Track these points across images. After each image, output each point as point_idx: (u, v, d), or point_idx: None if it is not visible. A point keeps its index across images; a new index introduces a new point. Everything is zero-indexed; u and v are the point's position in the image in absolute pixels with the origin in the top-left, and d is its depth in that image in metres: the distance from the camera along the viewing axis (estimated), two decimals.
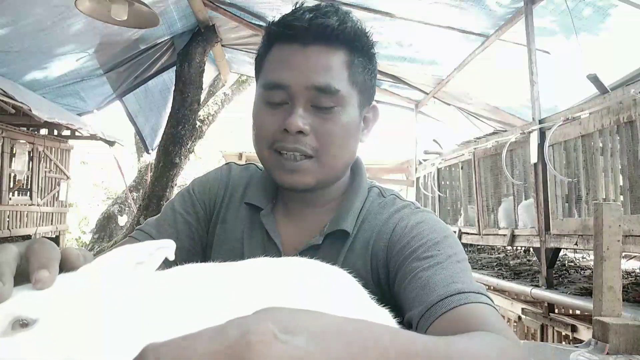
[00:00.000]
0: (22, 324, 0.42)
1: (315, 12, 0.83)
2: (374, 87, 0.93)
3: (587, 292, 2.57)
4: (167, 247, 0.50)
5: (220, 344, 0.32)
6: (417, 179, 5.52)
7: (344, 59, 0.84)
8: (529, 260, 4.31)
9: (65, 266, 0.49)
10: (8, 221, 5.64)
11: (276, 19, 0.87)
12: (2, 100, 4.06)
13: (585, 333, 2.48)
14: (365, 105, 0.91)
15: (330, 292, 0.65)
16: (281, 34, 0.85)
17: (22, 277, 0.47)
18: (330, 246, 0.88)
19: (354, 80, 0.86)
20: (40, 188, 6.32)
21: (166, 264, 0.52)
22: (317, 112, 0.84)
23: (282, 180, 0.86)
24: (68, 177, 7.09)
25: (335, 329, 0.36)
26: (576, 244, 2.56)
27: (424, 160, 5.38)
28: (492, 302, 0.72)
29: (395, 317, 0.72)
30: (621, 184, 2.33)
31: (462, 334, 0.57)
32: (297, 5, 0.87)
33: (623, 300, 1.45)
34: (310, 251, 0.86)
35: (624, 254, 2.58)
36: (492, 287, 3.40)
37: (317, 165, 0.85)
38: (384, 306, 0.72)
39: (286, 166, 0.85)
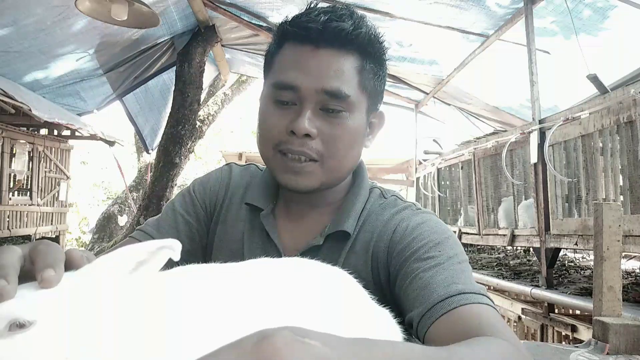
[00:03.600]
0: (19, 325, 0.42)
1: (330, 14, 0.82)
2: (382, 93, 0.92)
3: (587, 292, 2.57)
4: (171, 248, 0.50)
5: (244, 351, 0.32)
6: (417, 179, 5.52)
7: (356, 64, 0.84)
8: (529, 260, 4.31)
9: (69, 268, 0.50)
10: (8, 221, 5.63)
11: (289, 17, 0.86)
12: (2, 100, 4.06)
13: (585, 333, 2.48)
14: (373, 111, 0.91)
15: (331, 292, 0.65)
16: (294, 34, 0.84)
17: (26, 278, 0.47)
18: (330, 247, 0.88)
19: (364, 85, 0.85)
20: (40, 188, 6.32)
21: (167, 264, 0.52)
22: (326, 115, 0.83)
23: (285, 181, 0.86)
24: (68, 177, 7.09)
25: (341, 341, 0.37)
26: (576, 244, 2.57)
27: (424, 160, 5.38)
28: (493, 302, 0.72)
29: (395, 318, 0.73)
30: (621, 184, 2.33)
31: (463, 342, 0.57)
32: (312, 6, 0.86)
33: (623, 300, 1.45)
34: (310, 252, 0.85)
35: (624, 254, 2.58)
36: (492, 287, 3.40)
37: (321, 168, 0.85)
38: (384, 307, 0.72)
39: (290, 167, 0.84)
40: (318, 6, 0.86)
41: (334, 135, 0.84)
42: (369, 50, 0.85)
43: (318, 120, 0.83)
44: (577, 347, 1.36)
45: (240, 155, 8.49)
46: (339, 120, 0.84)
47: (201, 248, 0.97)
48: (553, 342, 2.81)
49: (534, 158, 2.90)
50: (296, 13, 0.86)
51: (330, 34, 0.81)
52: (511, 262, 4.24)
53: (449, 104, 5.58)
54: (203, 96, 5.88)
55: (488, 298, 0.72)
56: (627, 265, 3.84)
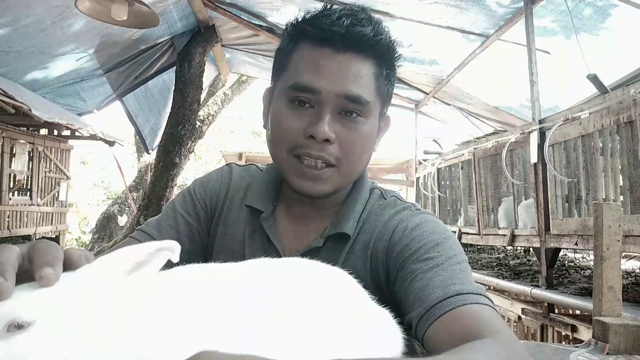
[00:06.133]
0: (18, 326, 0.42)
1: (352, 18, 0.81)
2: (392, 97, 0.93)
3: (587, 292, 2.57)
4: (170, 249, 0.50)
5: None
6: (417, 179, 5.52)
7: (374, 69, 0.84)
8: (529, 260, 4.30)
9: (68, 267, 0.50)
10: (8, 221, 5.63)
11: (306, 17, 0.84)
12: (2, 100, 4.06)
13: (585, 333, 2.48)
14: (382, 115, 0.91)
15: (331, 292, 0.65)
16: (312, 35, 0.82)
17: (24, 277, 0.47)
18: (330, 248, 0.88)
19: (380, 91, 0.86)
20: (40, 188, 6.31)
21: (167, 264, 0.53)
22: (343, 120, 0.83)
23: (300, 187, 0.85)
24: (68, 177, 7.09)
25: None
26: (576, 244, 2.56)
27: (424, 160, 5.38)
28: (492, 302, 0.72)
29: (395, 318, 0.72)
30: (621, 184, 2.33)
31: (457, 348, 0.56)
32: (328, 7, 0.84)
33: (623, 300, 1.46)
34: (310, 253, 0.85)
35: (624, 254, 2.58)
36: (492, 287, 3.40)
37: (337, 173, 0.85)
38: (384, 307, 0.72)
39: (307, 174, 0.83)
40: (334, 7, 0.84)
41: (352, 140, 0.83)
42: (386, 57, 0.86)
43: (336, 124, 0.82)
44: (577, 347, 1.36)
45: (240, 156, 8.49)
46: (356, 125, 0.83)
47: (202, 248, 0.97)
48: (553, 342, 2.81)
49: (534, 158, 2.90)
50: (313, 13, 0.84)
51: (352, 38, 0.80)
52: (511, 262, 4.23)
53: (449, 104, 5.58)
54: (203, 96, 5.88)
55: (487, 298, 0.71)
56: (627, 265, 3.84)
